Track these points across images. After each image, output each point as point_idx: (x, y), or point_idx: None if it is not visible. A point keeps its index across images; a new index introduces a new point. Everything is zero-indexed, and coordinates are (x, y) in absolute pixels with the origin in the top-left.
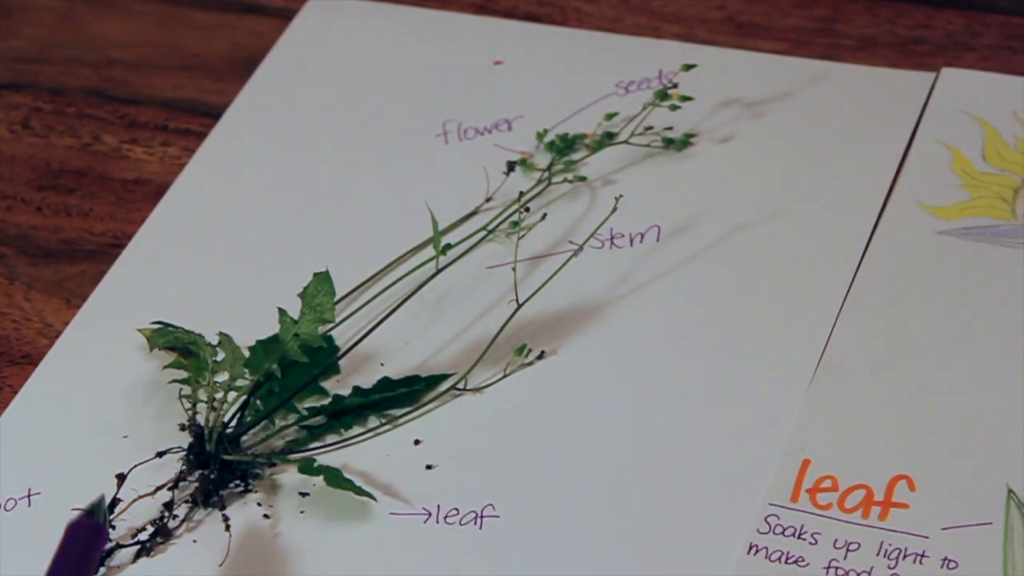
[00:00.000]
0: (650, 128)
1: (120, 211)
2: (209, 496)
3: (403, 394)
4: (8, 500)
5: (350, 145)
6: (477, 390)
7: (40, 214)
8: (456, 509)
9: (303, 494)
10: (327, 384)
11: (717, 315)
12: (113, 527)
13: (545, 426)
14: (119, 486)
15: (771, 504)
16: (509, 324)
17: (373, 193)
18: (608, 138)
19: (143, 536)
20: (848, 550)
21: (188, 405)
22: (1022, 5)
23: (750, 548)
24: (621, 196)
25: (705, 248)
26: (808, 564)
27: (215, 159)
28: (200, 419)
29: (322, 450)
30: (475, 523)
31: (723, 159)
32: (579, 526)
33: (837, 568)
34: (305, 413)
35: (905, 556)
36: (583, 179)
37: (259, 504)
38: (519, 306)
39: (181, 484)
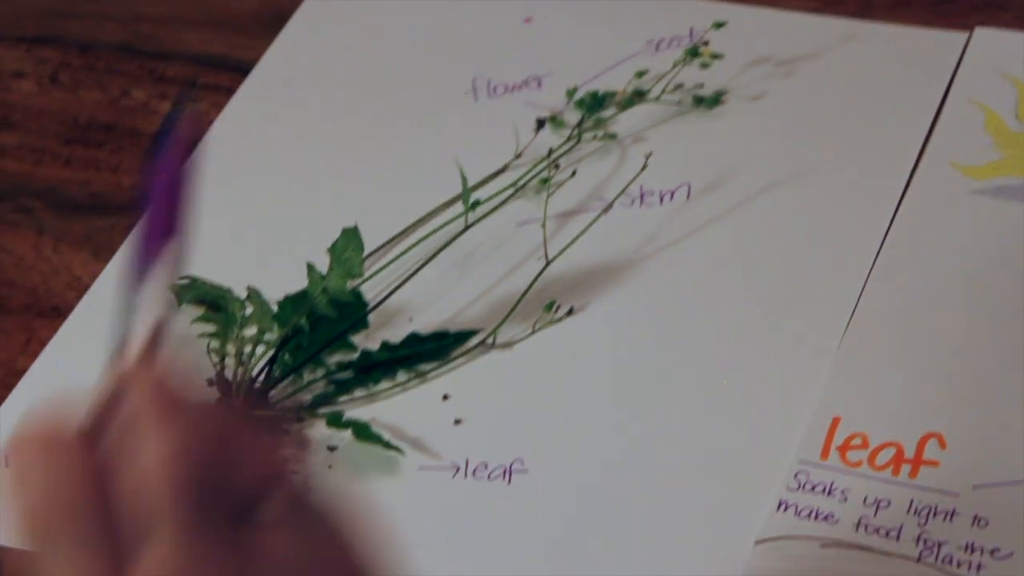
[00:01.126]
0: (680, 86)
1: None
2: None
3: (432, 349)
4: None
5: (379, 101)
6: (506, 346)
7: (69, 167)
8: (484, 464)
9: (331, 448)
10: (355, 339)
11: (747, 273)
12: None
13: (573, 382)
14: None
15: (801, 461)
16: (538, 280)
17: (402, 149)
18: (638, 96)
19: None
20: (878, 507)
21: (216, 359)
22: None
23: (780, 505)
24: (651, 154)
25: (735, 206)
26: (838, 521)
27: (243, 115)
28: (228, 373)
29: (350, 404)
30: (503, 478)
31: (753, 117)
32: (607, 481)
33: (867, 525)
34: (333, 368)
35: (935, 514)
36: (613, 137)
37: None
38: (548, 263)
39: None
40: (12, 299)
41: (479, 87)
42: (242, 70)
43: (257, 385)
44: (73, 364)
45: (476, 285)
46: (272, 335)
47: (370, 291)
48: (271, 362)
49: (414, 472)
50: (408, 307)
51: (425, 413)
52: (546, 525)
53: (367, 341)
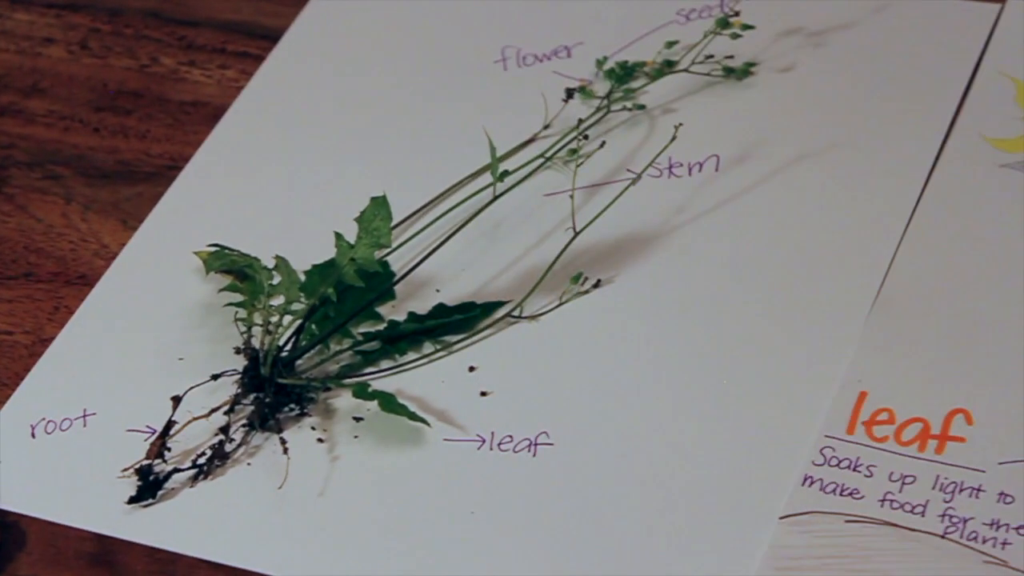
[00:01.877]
0: (711, 57)
1: (177, 133)
2: (266, 419)
3: (458, 320)
4: (64, 420)
5: (409, 70)
6: (532, 318)
7: (97, 135)
8: (510, 436)
9: (357, 419)
10: (382, 309)
11: (775, 246)
12: (169, 449)
13: (600, 355)
14: (174, 408)
15: (827, 436)
16: (565, 252)
17: (431, 118)
18: (668, 66)
19: (200, 460)
20: (904, 483)
21: (243, 328)
22: None
23: (805, 480)
24: (680, 125)
25: (764, 178)
26: (863, 496)
27: (273, 82)
28: (255, 342)
29: (377, 375)
30: (529, 450)
31: (784, 89)
32: (633, 454)
33: (892, 501)
34: (360, 338)
35: (961, 490)
36: (642, 107)
37: (313, 428)
38: (576, 234)
39: (236, 407)
40: (41, 267)
41: (508, 56)
42: (271, 37)
43: (284, 355)
44: (100, 333)
45: (504, 256)
46: (299, 305)
47: (397, 261)
48: (298, 332)
49: (439, 444)
50: (435, 278)
51: (451, 385)
52: (571, 498)
53: (394, 312)
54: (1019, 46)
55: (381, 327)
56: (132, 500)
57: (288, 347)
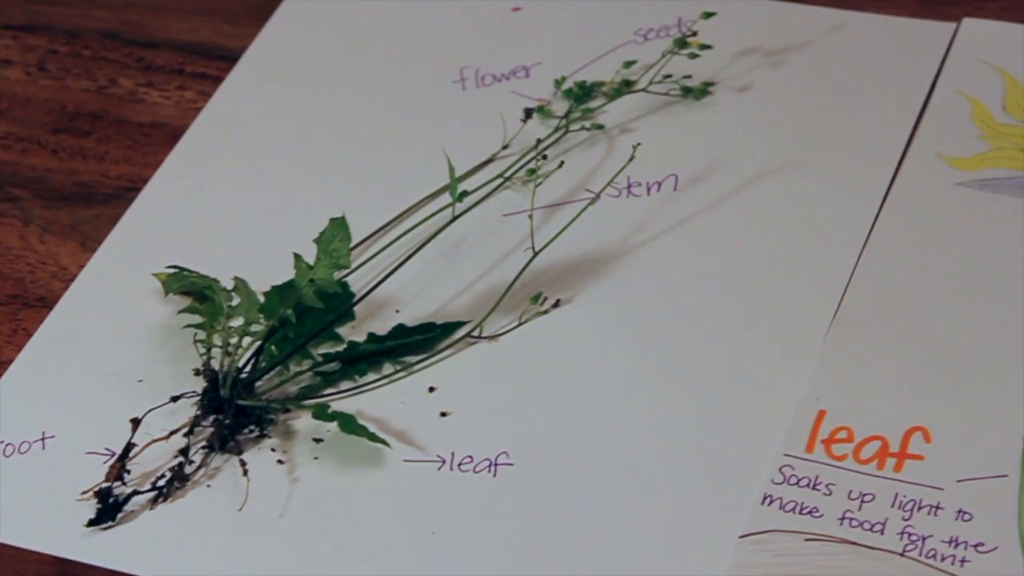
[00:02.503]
0: (668, 76)
1: (136, 155)
2: (225, 441)
3: (418, 341)
4: (23, 443)
5: (367, 90)
6: (492, 338)
7: (55, 157)
8: (470, 456)
9: (317, 440)
10: (342, 330)
11: (733, 265)
12: (128, 471)
13: (560, 374)
14: (133, 430)
15: (786, 455)
16: (525, 272)
17: (389, 139)
18: (626, 86)
19: (160, 482)
20: (863, 501)
21: (203, 350)
22: None
23: (764, 498)
24: (639, 144)
25: (722, 197)
26: (822, 515)
27: (231, 103)
28: (215, 364)
29: (336, 396)
30: (489, 471)
31: (741, 108)
32: (592, 474)
33: (851, 519)
34: (320, 359)
35: (920, 508)
36: (601, 127)
37: (273, 450)
38: (535, 254)
39: (196, 429)
40: None
41: (467, 76)
42: (230, 58)
43: (243, 376)
44: (59, 355)
45: (463, 276)
46: (259, 326)
47: (357, 282)
48: (257, 353)
49: (399, 465)
50: (395, 298)
51: (411, 405)
52: (531, 519)
53: (353, 332)
54: (975, 65)
55: (341, 348)
56: (91, 523)
57: (248, 368)
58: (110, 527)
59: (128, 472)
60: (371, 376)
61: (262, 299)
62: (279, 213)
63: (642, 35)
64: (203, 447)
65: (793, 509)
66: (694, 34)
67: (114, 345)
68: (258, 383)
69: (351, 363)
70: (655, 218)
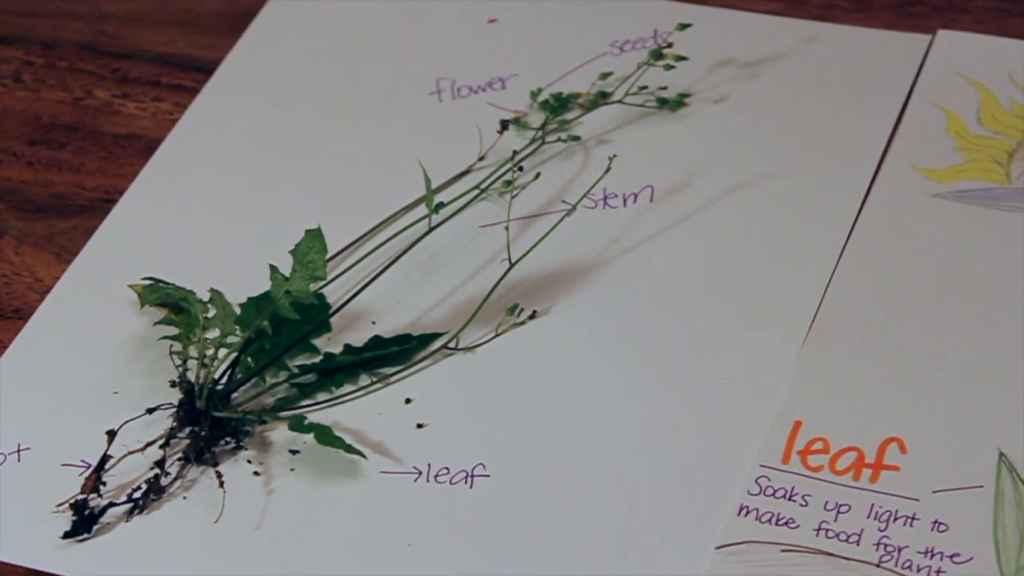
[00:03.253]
0: (644, 88)
1: (111, 166)
2: (201, 453)
3: (394, 352)
4: None
5: (343, 101)
6: (469, 349)
7: (31, 168)
8: (447, 468)
9: (293, 452)
10: (318, 342)
11: (709, 276)
12: (104, 483)
13: (536, 386)
14: (109, 442)
15: (762, 466)
16: (501, 283)
17: (366, 150)
18: (602, 97)
19: (136, 494)
20: (839, 512)
21: (179, 362)
22: None
23: (741, 509)
24: (615, 156)
25: (698, 209)
26: (798, 526)
27: (207, 115)
28: (191, 376)
29: (313, 408)
30: (466, 482)
31: (717, 120)
32: (569, 486)
33: (827, 530)
34: (296, 371)
35: (895, 519)
36: (577, 138)
37: (249, 461)
38: (511, 265)
39: (172, 441)
40: None
41: (443, 88)
42: (206, 70)
43: (220, 388)
44: (35, 367)
45: (439, 288)
46: (235, 338)
47: (333, 294)
48: (234, 365)
49: (376, 476)
50: (371, 310)
51: (387, 417)
52: (507, 530)
53: (330, 344)
54: (950, 77)
55: (317, 359)
56: (67, 535)
57: (224, 380)
58: (86, 539)
59: (104, 484)
60: (347, 388)
61: (238, 311)
62: (255, 224)
63: (618, 47)
64: (179, 459)
65: (769, 520)
66: (670, 46)
67: (90, 357)
68: (234, 395)
69: (327, 375)
70: (631, 230)
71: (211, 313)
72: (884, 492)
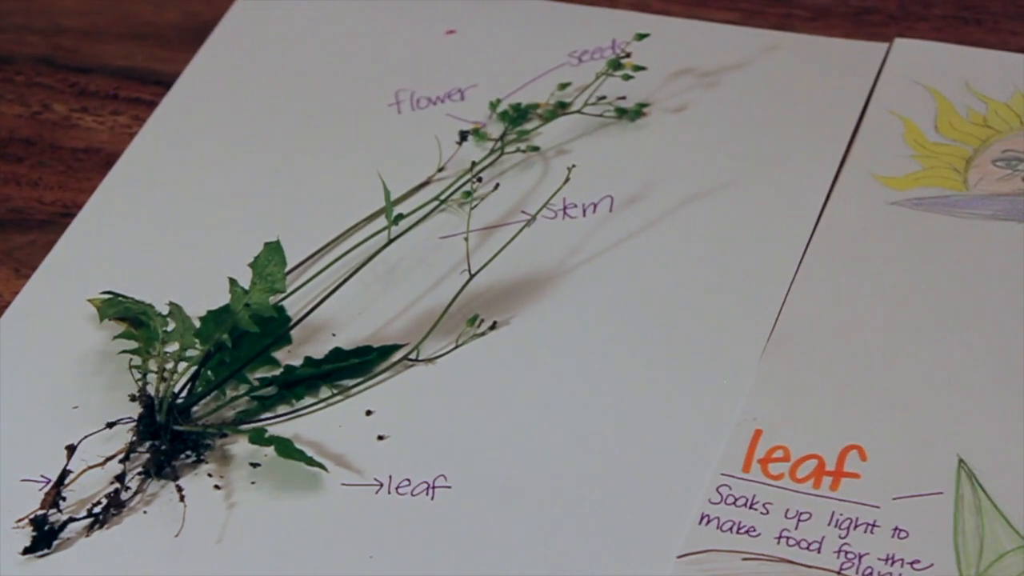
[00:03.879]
0: (603, 98)
1: (70, 180)
2: (162, 467)
3: (355, 364)
4: None
5: (302, 114)
6: (429, 360)
7: None
8: (408, 480)
9: (254, 465)
10: (278, 354)
11: (669, 286)
12: (64, 498)
13: (497, 397)
14: (69, 457)
15: (723, 474)
16: (461, 294)
17: (325, 162)
18: (561, 108)
19: (96, 509)
20: (799, 520)
21: (138, 375)
22: None
23: (702, 518)
24: (574, 166)
25: (658, 218)
26: (759, 534)
27: (166, 128)
28: (150, 389)
29: (273, 421)
30: (427, 493)
31: (676, 129)
32: (531, 496)
33: (788, 538)
34: (256, 383)
35: (856, 526)
36: (536, 149)
37: (210, 475)
38: (471, 276)
39: (132, 455)
40: None
41: (402, 99)
42: (164, 83)
43: (180, 401)
44: None
45: (399, 299)
46: (194, 351)
47: (293, 306)
48: (193, 378)
49: (337, 488)
50: (331, 322)
51: (348, 429)
52: (469, 541)
53: (290, 357)
54: (907, 85)
55: (277, 372)
56: (27, 551)
57: (184, 394)
58: (46, 555)
59: (64, 499)
60: (308, 400)
61: (197, 324)
62: (214, 238)
63: (576, 57)
64: (139, 473)
65: (730, 528)
66: (628, 55)
67: (49, 371)
68: (194, 408)
69: (288, 387)
70: (591, 240)
71: (170, 327)
72: (845, 499)
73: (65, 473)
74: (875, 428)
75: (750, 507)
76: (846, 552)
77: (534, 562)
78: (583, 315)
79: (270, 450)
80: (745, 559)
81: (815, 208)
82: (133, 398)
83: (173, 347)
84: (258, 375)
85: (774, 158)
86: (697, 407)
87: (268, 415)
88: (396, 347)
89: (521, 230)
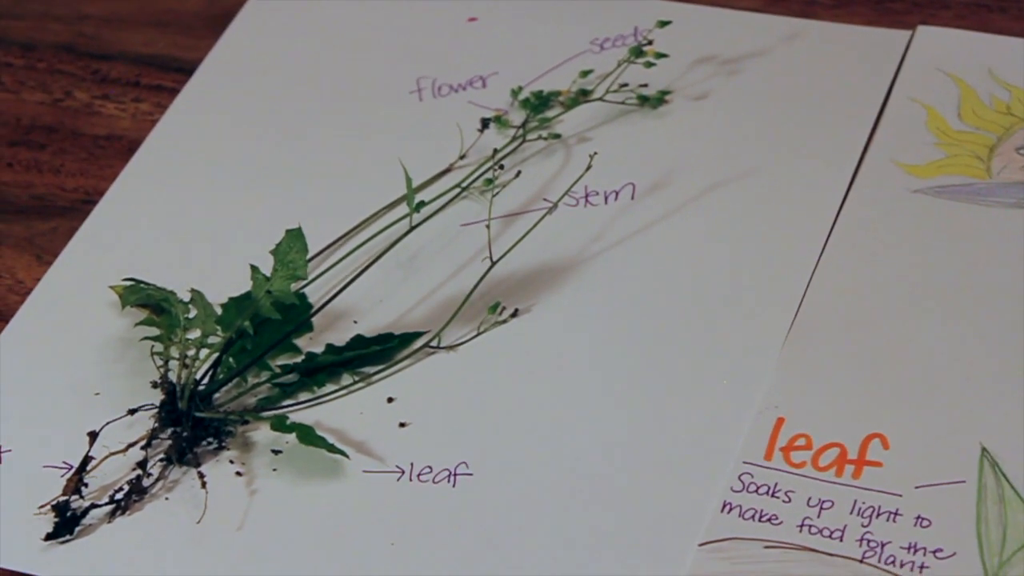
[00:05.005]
0: (625, 85)
1: (92, 167)
2: (183, 454)
3: (376, 352)
4: None
5: (324, 101)
6: (451, 348)
7: (11, 170)
8: (429, 467)
9: (276, 452)
10: (300, 341)
11: (691, 273)
12: (86, 485)
13: (519, 384)
14: (91, 444)
15: (745, 463)
16: (483, 282)
17: (346, 150)
18: (583, 95)
19: (118, 495)
20: (821, 508)
21: (160, 362)
22: None
23: (724, 506)
24: (596, 153)
25: (679, 206)
26: (782, 522)
27: (187, 115)
28: (172, 376)
29: (295, 408)
30: (448, 481)
31: (698, 117)
32: (552, 484)
33: (810, 526)
34: (278, 371)
35: (878, 514)
36: (557, 136)
37: (231, 462)
38: (493, 264)
39: (154, 442)
40: None
41: (424, 87)
42: (186, 70)
43: (201, 388)
44: (16, 369)
45: (421, 287)
46: (216, 338)
47: (314, 293)
48: (215, 365)
49: (359, 476)
50: (353, 309)
51: (370, 416)
52: (490, 528)
53: (311, 344)
54: (930, 72)
55: (299, 359)
56: (49, 537)
57: (205, 380)
58: (68, 541)
59: (86, 485)
60: (329, 387)
61: (219, 311)
62: (235, 225)
63: (598, 44)
64: (161, 460)
65: (752, 517)
66: (650, 43)
67: (71, 358)
68: (216, 395)
69: (309, 374)
70: (613, 227)
71: (192, 313)
72: (867, 488)
73: (87, 460)
74: (897, 416)
75: (772, 495)
76: (868, 540)
77: (556, 549)
78: (605, 302)
79: (292, 437)
80: (767, 547)
81: (837, 196)
82: (155, 385)
83: (195, 334)
84: (280, 362)
85: (796, 146)
86: (719, 395)
87: (290, 402)
88: (418, 334)
89: (543, 217)
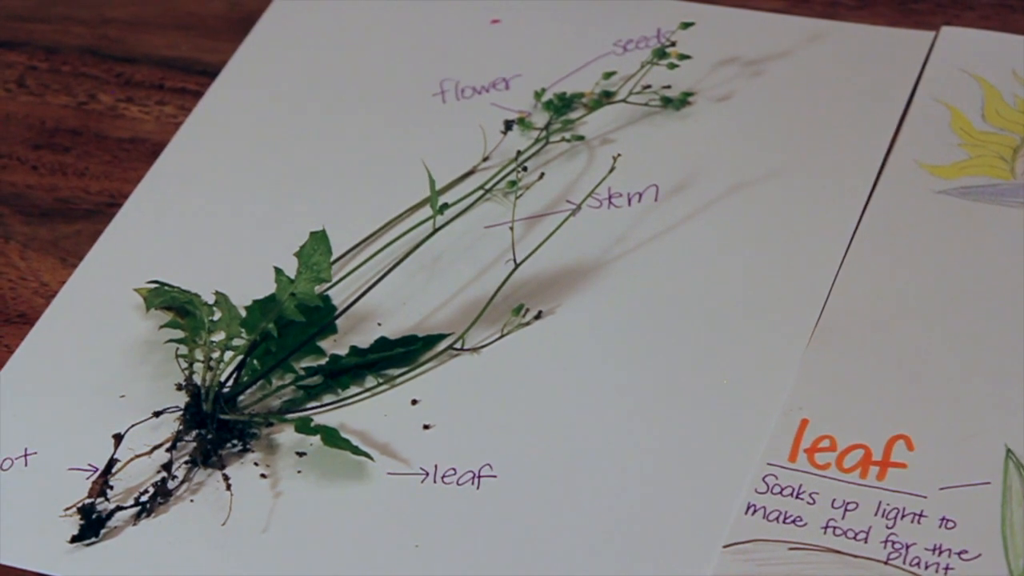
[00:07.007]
0: (648, 87)
1: (116, 170)
2: (208, 456)
3: (400, 354)
4: (5, 460)
5: (347, 104)
6: (474, 350)
7: (35, 173)
8: (453, 469)
9: (300, 454)
10: (324, 344)
11: (715, 275)
12: (111, 487)
13: (543, 386)
14: (116, 446)
15: (769, 464)
16: (506, 284)
17: (370, 152)
18: (606, 97)
19: (143, 498)
20: (846, 510)
21: (184, 365)
22: None
23: (748, 508)
24: (619, 155)
25: (703, 207)
26: (806, 524)
27: (211, 118)
28: (197, 379)
29: (319, 410)
30: (472, 483)
31: (721, 118)
32: (577, 486)
33: (835, 528)
34: (302, 373)
35: (903, 516)
36: (581, 138)
37: (256, 464)
38: (516, 266)
39: (178, 444)
40: None
41: (447, 89)
42: (209, 73)
43: (226, 390)
44: (41, 371)
45: (445, 289)
46: (240, 340)
47: (338, 295)
48: (239, 367)
49: (383, 478)
50: (377, 311)
51: (394, 418)
52: (514, 530)
53: (336, 346)
54: (954, 73)
55: (323, 361)
56: (75, 539)
57: (230, 383)
58: (93, 543)
59: (111, 488)
60: (354, 389)
61: (243, 313)
62: (259, 227)
63: (621, 46)
64: (186, 462)
65: (777, 518)
66: (673, 44)
67: (96, 361)
68: (240, 397)
69: (333, 376)
70: (636, 229)
71: (216, 316)
72: (891, 489)
73: (112, 462)
74: (922, 418)
75: (796, 497)
76: (893, 542)
77: (580, 551)
78: (628, 304)
79: (316, 439)
80: (791, 549)
81: (861, 197)
82: (179, 387)
83: (219, 336)
84: (304, 364)
85: (820, 147)
86: (743, 396)
87: (314, 404)
88: (442, 336)
89: (566, 219)
